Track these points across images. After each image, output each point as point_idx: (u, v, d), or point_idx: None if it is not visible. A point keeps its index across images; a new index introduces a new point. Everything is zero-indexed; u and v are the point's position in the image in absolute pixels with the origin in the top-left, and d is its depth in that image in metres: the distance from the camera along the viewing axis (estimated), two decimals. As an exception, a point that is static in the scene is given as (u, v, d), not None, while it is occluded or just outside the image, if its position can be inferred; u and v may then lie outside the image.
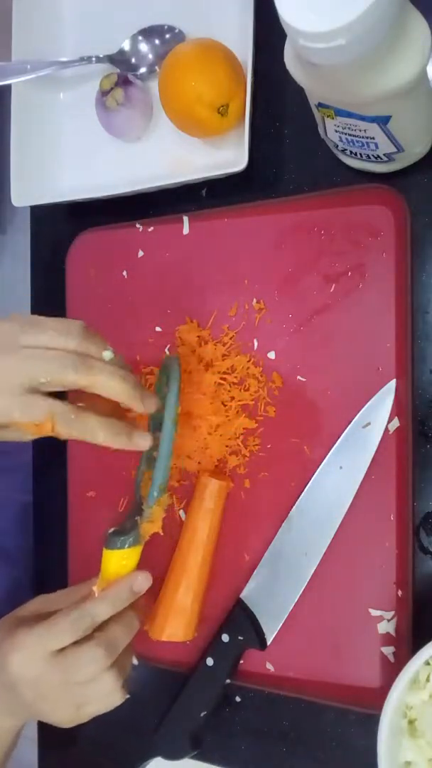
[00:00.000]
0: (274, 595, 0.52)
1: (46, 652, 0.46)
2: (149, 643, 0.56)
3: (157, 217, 0.60)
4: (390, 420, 0.49)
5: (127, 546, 0.50)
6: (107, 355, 0.44)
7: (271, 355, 0.54)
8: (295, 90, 0.42)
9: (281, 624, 0.52)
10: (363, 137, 0.44)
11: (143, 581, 0.50)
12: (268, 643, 0.52)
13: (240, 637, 0.53)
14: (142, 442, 0.46)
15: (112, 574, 0.51)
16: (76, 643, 0.47)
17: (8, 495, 0.75)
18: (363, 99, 0.39)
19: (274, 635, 0.52)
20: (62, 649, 0.47)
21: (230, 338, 0.55)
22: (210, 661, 0.54)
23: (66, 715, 0.49)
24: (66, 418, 0.43)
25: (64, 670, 0.46)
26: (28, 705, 0.48)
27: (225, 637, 0.53)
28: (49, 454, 0.67)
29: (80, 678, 0.47)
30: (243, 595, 0.54)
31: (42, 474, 0.69)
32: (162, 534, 0.52)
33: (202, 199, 0.59)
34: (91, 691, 0.48)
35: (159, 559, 0.57)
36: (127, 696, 0.50)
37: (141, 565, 0.51)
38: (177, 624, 0.54)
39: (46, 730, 0.67)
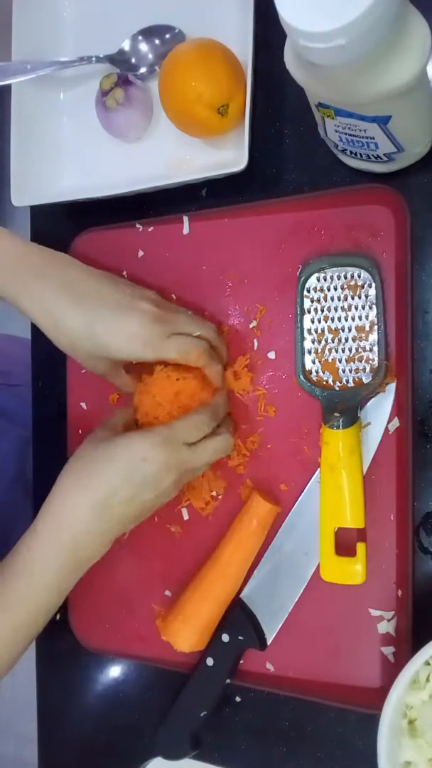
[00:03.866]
0: (274, 595, 0.52)
1: (185, 443, 0.49)
2: (150, 644, 0.56)
3: (157, 217, 0.60)
4: (390, 420, 0.49)
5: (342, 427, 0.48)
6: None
7: (271, 355, 0.54)
8: (295, 90, 0.42)
9: (281, 624, 0.52)
10: (363, 137, 0.44)
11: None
12: (268, 643, 0.52)
13: (240, 637, 0.53)
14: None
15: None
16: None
17: None
18: (363, 99, 0.39)
19: (274, 635, 0.52)
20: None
21: (230, 338, 0.55)
22: (210, 661, 0.54)
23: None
24: (209, 352, 0.52)
25: (198, 455, 0.50)
26: (158, 494, 0.48)
27: (225, 637, 0.53)
28: (50, 453, 0.67)
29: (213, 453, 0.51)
30: (243, 595, 0.54)
31: (42, 473, 0.68)
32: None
33: (202, 199, 0.59)
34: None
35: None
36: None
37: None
38: (197, 634, 0.54)
39: (46, 730, 0.67)
